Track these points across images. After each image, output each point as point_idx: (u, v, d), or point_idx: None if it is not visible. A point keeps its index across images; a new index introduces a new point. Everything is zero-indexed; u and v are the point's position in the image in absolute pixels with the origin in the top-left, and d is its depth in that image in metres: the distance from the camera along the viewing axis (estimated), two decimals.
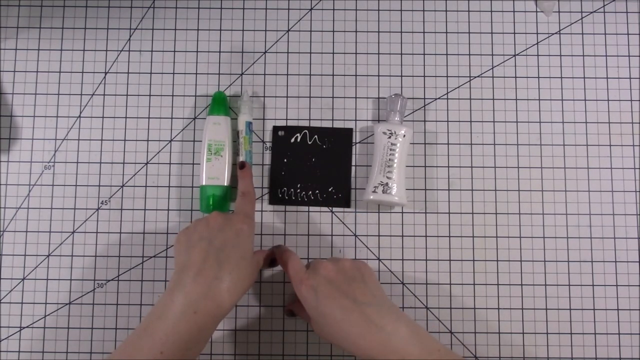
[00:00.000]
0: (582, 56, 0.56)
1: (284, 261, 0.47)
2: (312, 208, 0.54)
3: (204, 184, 0.52)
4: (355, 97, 0.56)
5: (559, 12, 0.57)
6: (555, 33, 0.56)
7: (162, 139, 0.55)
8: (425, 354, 0.39)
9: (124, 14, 0.57)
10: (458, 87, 0.56)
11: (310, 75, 0.56)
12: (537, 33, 0.56)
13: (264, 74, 0.56)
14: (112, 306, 0.53)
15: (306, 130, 0.55)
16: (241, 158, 0.52)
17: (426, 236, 0.54)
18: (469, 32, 0.56)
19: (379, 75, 0.56)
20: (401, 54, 0.56)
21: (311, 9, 0.57)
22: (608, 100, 0.55)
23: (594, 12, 0.57)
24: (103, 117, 0.55)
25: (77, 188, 0.55)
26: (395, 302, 0.53)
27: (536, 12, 0.57)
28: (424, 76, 0.56)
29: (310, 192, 0.54)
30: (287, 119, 0.55)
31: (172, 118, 0.55)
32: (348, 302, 0.41)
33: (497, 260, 0.53)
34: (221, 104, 0.53)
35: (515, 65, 0.56)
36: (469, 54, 0.56)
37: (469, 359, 0.52)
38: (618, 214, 0.54)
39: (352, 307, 0.41)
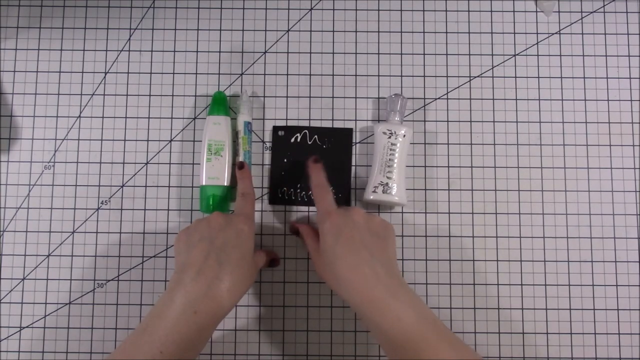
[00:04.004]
0: (582, 56, 0.56)
1: (316, 189, 0.47)
2: (312, 208, 0.54)
3: (204, 184, 0.52)
4: (355, 97, 0.56)
5: (559, 12, 0.57)
6: (555, 33, 0.56)
7: (162, 139, 0.55)
8: (419, 322, 0.40)
9: (124, 14, 0.57)
10: (458, 87, 0.56)
11: (310, 75, 0.56)
12: (537, 33, 0.56)
13: (264, 74, 0.56)
14: (112, 306, 0.53)
15: (306, 130, 0.55)
16: (240, 158, 0.52)
17: (426, 236, 0.54)
18: (469, 32, 0.56)
19: (379, 75, 0.56)
20: (401, 54, 0.56)
21: (311, 9, 0.57)
22: (608, 100, 0.55)
23: (594, 12, 0.57)
24: (103, 117, 0.55)
25: (77, 188, 0.55)
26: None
27: (536, 12, 0.57)
28: (424, 76, 0.56)
29: (311, 192, 0.54)
30: (287, 119, 0.55)
31: (172, 118, 0.55)
32: (366, 253, 0.42)
33: (497, 260, 0.53)
34: (221, 104, 0.53)
35: (515, 65, 0.56)
36: (469, 54, 0.56)
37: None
38: (618, 214, 0.54)
39: (367, 259, 0.42)
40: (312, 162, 0.49)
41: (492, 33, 0.56)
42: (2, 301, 0.53)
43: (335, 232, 0.43)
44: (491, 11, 0.57)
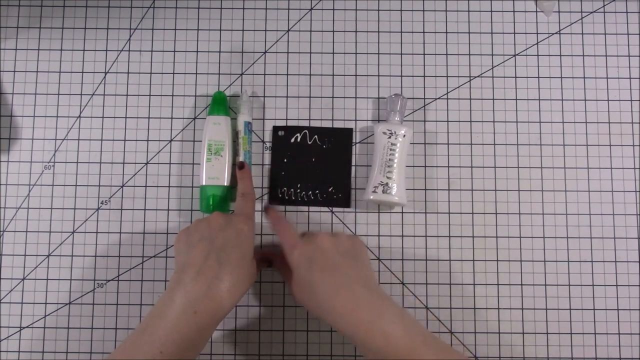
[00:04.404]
0: (582, 56, 0.56)
1: (277, 226, 0.47)
2: (312, 208, 0.54)
3: (204, 184, 0.52)
4: (355, 97, 0.56)
5: (559, 12, 0.57)
6: (555, 33, 0.56)
7: (162, 139, 0.55)
8: (408, 336, 0.39)
9: (124, 14, 0.57)
10: (458, 87, 0.56)
11: (310, 75, 0.56)
12: (537, 33, 0.56)
13: (264, 74, 0.56)
14: (112, 306, 0.53)
15: (306, 130, 0.55)
16: (240, 158, 0.52)
17: (426, 236, 0.54)
18: (469, 32, 0.56)
19: (379, 75, 0.56)
20: (401, 54, 0.56)
21: (311, 9, 0.57)
22: (608, 100, 0.55)
23: (594, 12, 0.57)
24: (103, 117, 0.55)
25: (77, 188, 0.55)
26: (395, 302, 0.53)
27: (536, 12, 0.57)
28: (424, 76, 0.56)
29: (310, 192, 0.54)
30: (287, 119, 0.55)
31: (172, 118, 0.55)
32: (340, 276, 0.42)
33: (497, 260, 0.53)
34: (221, 104, 0.53)
35: (515, 65, 0.56)
36: (469, 54, 0.56)
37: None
38: (618, 214, 0.54)
39: (343, 282, 0.41)
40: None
41: (492, 33, 0.56)
42: (2, 301, 0.53)
43: (305, 262, 0.43)
44: (491, 11, 0.57)
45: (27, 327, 0.53)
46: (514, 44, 0.56)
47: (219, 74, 0.56)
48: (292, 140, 0.55)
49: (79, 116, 0.55)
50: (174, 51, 0.56)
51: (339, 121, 0.55)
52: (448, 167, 0.55)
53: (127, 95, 0.56)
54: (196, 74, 0.56)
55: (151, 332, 0.40)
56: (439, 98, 0.56)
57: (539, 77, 0.56)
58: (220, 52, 0.56)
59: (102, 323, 0.53)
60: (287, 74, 0.56)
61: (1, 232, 0.54)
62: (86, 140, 0.55)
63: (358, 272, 0.43)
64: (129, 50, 0.56)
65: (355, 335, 0.39)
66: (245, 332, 0.53)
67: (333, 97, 0.56)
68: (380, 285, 0.53)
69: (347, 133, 0.55)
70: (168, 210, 0.54)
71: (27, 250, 0.54)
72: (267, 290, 0.53)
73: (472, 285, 0.53)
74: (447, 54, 0.56)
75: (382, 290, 0.43)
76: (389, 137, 0.52)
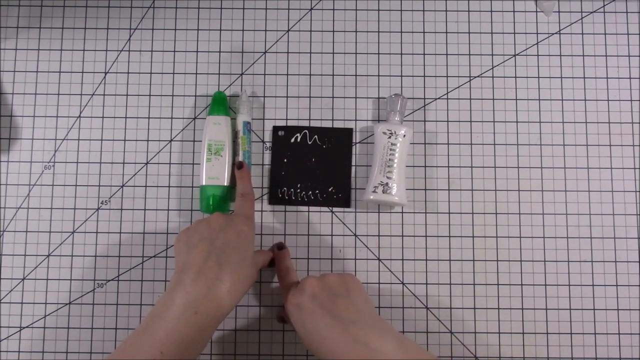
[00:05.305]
0: (582, 56, 0.56)
1: (280, 275, 0.49)
2: (312, 208, 0.54)
3: (204, 184, 0.52)
4: (355, 97, 0.56)
5: (559, 12, 0.57)
6: (555, 33, 0.56)
7: (162, 139, 0.55)
8: None
9: (124, 14, 0.57)
10: (458, 87, 0.56)
11: (310, 75, 0.56)
12: (537, 33, 0.56)
13: (264, 74, 0.56)
14: (112, 306, 0.53)
15: (306, 130, 0.55)
16: (239, 158, 0.52)
17: (426, 236, 0.54)
18: (469, 32, 0.56)
19: (379, 75, 0.56)
20: (401, 54, 0.56)
21: (311, 9, 0.57)
22: (608, 100, 0.55)
23: (594, 12, 0.57)
24: (103, 117, 0.55)
25: (77, 188, 0.55)
26: (395, 302, 0.53)
27: (536, 12, 0.57)
28: (424, 76, 0.56)
29: (310, 192, 0.54)
30: (287, 119, 0.55)
31: (172, 118, 0.55)
32: (330, 319, 0.41)
33: (497, 260, 0.53)
34: (221, 104, 0.53)
35: (515, 65, 0.56)
36: (469, 54, 0.56)
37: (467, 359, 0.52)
38: (618, 214, 0.54)
39: (334, 324, 0.41)
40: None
41: (492, 33, 0.56)
42: (2, 301, 0.53)
43: (296, 312, 0.43)
44: (491, 11, 0.57)
45: (27, 327, 0.53)
46: (514, 44, 0.56)
47: (219, 74, 0.56)
48: (292, 140, 0.55)
49: (79, 116, 0.55)
50: (174, 51, 0.56)
51: (339, 121, 0.55)
52: (448, 167, 0.55)
53: (127, 95, 0.56)
54: (196, 74, 0.56)
55: (151, 332, 0.40)
56: (439, 98, 0.56)
57: (539, 77, 0.56)
58: (220, 52, 0.56)
59: (102, 323, 0.53)
60: (287, 74, 0.56)
61: (1, 232, 0.54)
62: (86, 140, 0.55)
63: (350, 310, 0.42)
64: (129, 50, 0.56)
65: None
66: (245, 332, 0.53)
67: (333, 97, 0.56)
68: (381, 285, 0.53)
69: (347, 133, 0.55)
70: (168, 210, 0.54)
71: (27, 250, 0.54)
72: (267, 290, 0.53)
73: (472, 285, 0.53)
74: (447, 54, 0.56)
75: (382, 321, 0.42)
76: (389, 137, 0.52)
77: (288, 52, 0.56)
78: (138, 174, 0.55)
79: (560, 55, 0.56)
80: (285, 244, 0.53)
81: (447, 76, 0.56)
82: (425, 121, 0.55)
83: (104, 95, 0.56)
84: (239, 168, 0.51)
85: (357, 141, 0.55)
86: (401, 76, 0.56)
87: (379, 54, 0.56)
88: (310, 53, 0.56)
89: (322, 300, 0.43)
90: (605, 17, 0.56)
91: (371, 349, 0.39)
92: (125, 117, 0.55)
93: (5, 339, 0.53)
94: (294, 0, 0.57)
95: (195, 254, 0.43)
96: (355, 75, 0.56)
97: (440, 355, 0.52)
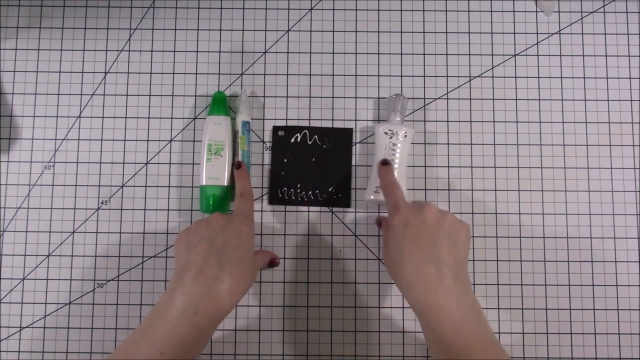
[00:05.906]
0: (582, 56, 0.56)
1: (387, 187, 0.47)
2: (312, 208, 0.54)
3: (204, 184, 0.52)
4: (355, 97, 0.56)
5: (559, 12, 0.57)
6: (555, 33, 0.56)
7: (162, 139, 0.55)
8: (479, 335, 0.39)
9: (124, 14, 0.57)
10: (458, 87, 0.56)
11: (310, 75, 0.56)
12: (537, 33, 0.56)
13: (264, 74, 0.56)
14: (112, 306, 0.53)
15: (306, 130, 0.55)
16: (238, 158, 0.52)
17: None
18: (469, 32, 0.56)
19: (379, 75, 0.56)
20: (401, 54, 0.56)
21: (311, 9, 0.57)
22: (608, 100, 0.55)
23: (594, 12, 0.57)
24: (103, 117, 0.55)
25: (77, 188, 0.55)
26: (395, 302, 0.53)
27: (536, 12, 0.57)
28: (424, 76, 0.56)
29: (310, 192, 0.54)
30: (287, 119, 0.55)
31: (172, 118, 0.55)
32: (432, 252, 0.40)
33: (497, 260, 0.53)
34: (221, 104, 0.53)
35: (515, 65, 0.56)
36: (469, 54, 0.56)
37: None
38: (618, 214, 0.54)
39: (433, 259, 0.40)
40: (381, 165, 0.50)
41: (492, 33, 0.56)
42: (2, 301, 0.53)
43: (402, 226, 0.42)
44: (491, 11, 0.57)
45: (27, 327, 0.53)
46: (514, 44, 0.56)
47: (219, 74, 0.56)
48: (292, 140, 0.55)
49: (79, 116, 0.55)
50: (174, 51, 0.56)
51: (339, 121, 0.55)
52: (448, 167, 0.55)
53: (127, 95, 0.56)
54: (196, 74, 0.56)
55: (151, 332, 0.40)
56: (439, 98, 0.56)
57: (539, 77, 0.56)
58: (220, 52, 0.56)
59: (102, 323, 0.53)
60: (287, 74, 0.56)
61: (1, 232, 0.54)
62: (86, 140, 0.55)
63: (450, 255, 0.41)
64: (129, 50, 0.56)
65: (428, 316, 0.39)
66: (245, 332, 0.53)
67: (333, 97, 0.56)
68: (381, 285, 0.53)
69: (347, 133, 0.55)
70: (168, 210, 0.54)
71: (27, 250, 0.54)
72: (267, 290, 0.53)
73: (472, 286, 0.53)
74: (447, 54, 0.56)
75: (468, 281, 0.42)
76: (390, 137, 0.52)
77: (288, 52, 0.56)
78: (138, 174, 0.55)
79: (560, 55, 0.56)
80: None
81: (447, 76, 0.56)
82: (425, 121, 0.55)
83: (104, 95, 0.56)
84: (238, 168, 0.51)
85: (357, 141, 0.55)
86: (401, 76, 0.56)
87: (379, 54, 0.56)
88: (310, 53, 0.56)
89: (433, 231, 0.41)
90: (605, 17, 0.56)
91: (453, 299, 0.39)
92: (125, 117, 0.55)
93: (5, 339, 0.53)
94: (294, 0, 0.57)
95: (195, 254, 0.43)
96: (355, 75, 0.56)
97: None
